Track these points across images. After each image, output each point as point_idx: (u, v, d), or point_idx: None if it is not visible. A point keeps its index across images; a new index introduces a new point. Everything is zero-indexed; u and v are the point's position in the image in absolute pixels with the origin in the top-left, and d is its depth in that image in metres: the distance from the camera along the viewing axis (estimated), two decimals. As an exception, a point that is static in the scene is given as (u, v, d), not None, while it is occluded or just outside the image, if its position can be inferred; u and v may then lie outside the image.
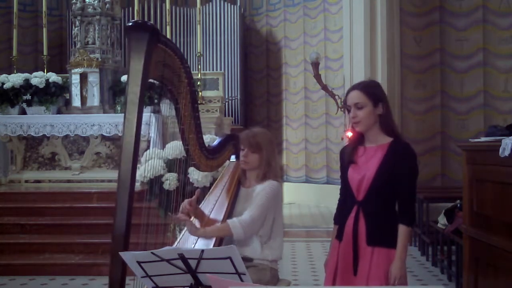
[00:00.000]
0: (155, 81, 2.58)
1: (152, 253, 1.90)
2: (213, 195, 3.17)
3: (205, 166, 2.98)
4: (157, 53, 2.34)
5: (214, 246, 2.65)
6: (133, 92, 2.22)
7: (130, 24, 2.32)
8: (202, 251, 1.86)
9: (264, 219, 2.80)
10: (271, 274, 2.84)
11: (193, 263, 1.90)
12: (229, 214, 2.90)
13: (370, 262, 2.41)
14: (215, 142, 3.17)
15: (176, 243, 2.81)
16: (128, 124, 2.21)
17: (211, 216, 2.90)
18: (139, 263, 1.94)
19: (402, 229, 2.41)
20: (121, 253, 1.96)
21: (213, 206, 3.01)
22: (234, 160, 3.28)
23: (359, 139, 2.54)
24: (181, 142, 2.88)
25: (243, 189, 3.00)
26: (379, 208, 2.44)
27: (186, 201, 2.80)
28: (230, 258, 1.83)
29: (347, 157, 2.54)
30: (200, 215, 2.88)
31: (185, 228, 2.90)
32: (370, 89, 2.48)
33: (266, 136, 2.96)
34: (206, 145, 3.03)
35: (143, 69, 2.22)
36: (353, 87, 2.51)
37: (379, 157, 2.44)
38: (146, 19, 10.64)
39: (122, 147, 2.20)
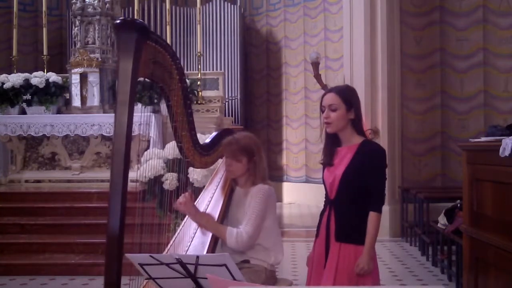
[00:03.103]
0: (147, 80, 2.52)
1: (151, 256, 1.91)
2: (207, 191, 3.14)
3: (200, 163, 2.94)
4: (146, 50, 2.26)
5: (208, 249, 2.64)
6: (123, 92, 2.14)
7: (118, 22, 2.22)
8: (197, 257, 1.87)
9: (260, 231, 2.77)
10: (267, 276, 2.81)
11: (192, 268, 1.91)
12: (224, 213, 2.89)
13: (338, 257, 2.56)
14: (208, 139, 3.10)
15: (171, 242, 2.79)
16: (119, 126, 2.11)
17: (207, 212, 2.88)
18: (141, 265, 1.95)
19: (371, 217, 2.54)
20: (127, 255, 1.97)
21: (208, 203, 2.99)
22: None
23: (334, 141, 2.69)
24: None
25: (237, 188, 2.96)
26: (348, 206, 2.58)
27: (181, 196, 2.82)
28: (225, 265, 1.85)
29: (324, 159, 2.74)
30: (195, 212, 2.87)
31: (180, 228, 2.89)
32: (345, 93, 2.63)
33: (249, 141, 2.88)
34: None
35: (133, 68, 2.14)
36: (330, 90, 2.68)
37: (349, 158, 2.60)
38: (146, 19, 10.63)
39: (114, 149, 2.12)
